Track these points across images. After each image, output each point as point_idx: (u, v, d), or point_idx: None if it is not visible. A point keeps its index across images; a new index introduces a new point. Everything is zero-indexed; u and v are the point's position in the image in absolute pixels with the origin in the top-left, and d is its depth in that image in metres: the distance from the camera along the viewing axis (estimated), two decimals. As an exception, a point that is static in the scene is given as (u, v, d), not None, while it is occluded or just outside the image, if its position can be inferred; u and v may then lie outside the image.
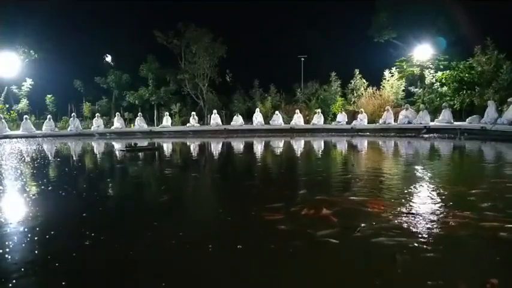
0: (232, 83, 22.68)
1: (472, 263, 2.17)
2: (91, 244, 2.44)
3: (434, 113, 15.80)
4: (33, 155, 8.92)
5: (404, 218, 2.83)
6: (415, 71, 18.43)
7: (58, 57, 20.44)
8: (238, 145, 11.84)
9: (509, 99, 12.07)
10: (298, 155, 8.84)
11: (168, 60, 21.68)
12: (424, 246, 2.26)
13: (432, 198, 3.52)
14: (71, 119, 18.20)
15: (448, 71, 17.06)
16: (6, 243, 2.45)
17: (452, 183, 4.33)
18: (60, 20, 20.65)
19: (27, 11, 19.04)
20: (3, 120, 16.90)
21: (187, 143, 13.15)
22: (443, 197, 3.57)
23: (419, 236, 2.45)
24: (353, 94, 19.14)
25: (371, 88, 18.56)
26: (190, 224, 3.07)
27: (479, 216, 2.86)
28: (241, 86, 21.79)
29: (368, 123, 16.31)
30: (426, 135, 13.03)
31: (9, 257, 2.23)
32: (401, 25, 18.62)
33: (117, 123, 18.23)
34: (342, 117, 17.01)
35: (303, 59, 21.28)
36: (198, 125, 18.68)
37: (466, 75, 16.31)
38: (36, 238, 2.55)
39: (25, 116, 17.86)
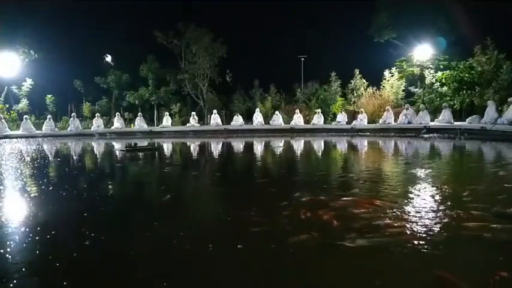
0: (232, 83, 22.68)
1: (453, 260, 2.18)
2: (91, 244, 2.44)
3: (434, 113, 15.80)
4: (33, 155, 8.93)
5: (388, 217, 2.84)
6: (415, 71, 18.43)
7: (58, 57, 20.44)
8: (238, 145, 11.84)
9: (509, 99, 12.06)
10: (298, 155, 8.84)
11: (168, 60, 21.69)
12: (405, 245, 2.29)
13: (424, 199, 3.53)
14: (71, 119, 18.20)
15: (448, 71, 17.05)
16: (8, 243, 2.45)
17: (448, 183, 4.33)
18: (60, 20, 20.66)
19: (27, 11, 19.05)
20: (3, 120, 16.90)
21: (187, 143, 13.16)
22: (437, 197, 3.57)
23: (401, 235, 2.47)
24: (353, 94, 19.14)
25: (371, 88, 18.55)
26: (190, 224, 3.08)
27: (467, 216, 2.87)
28: (241, 86, 21.79)
29: (368, 123, 16.30)
30: (426, 135, 13.03)
31: (10, 257, 2.23)
32: (401, 25, 18.61)
33: (117, 123, 18.23)
34: (342, 117, 17.00)
35: (303, 59, 21.28)
36: (198, 125, 18.68)
37: (466, 75, 16.31)
38: (37, 238, 2.55)
39: (25, 116, 17.86)
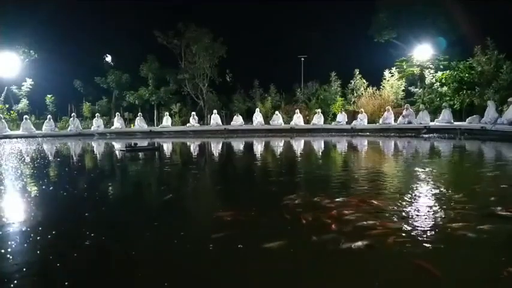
0: (232, 83, 22.69)
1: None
2: (92, 244, 2.44)
3: (434, 113, 15.81)
4: (33, 155, 8.93)
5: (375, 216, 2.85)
6: (415, 71, 18.43)
7: (58, 57, 20.44)
8: (238, 145, 11.85)
9: (509, 99, 12.07)
10: (298, 155, 8.84)
11: (168, 60, 21.70)
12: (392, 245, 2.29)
13: (418, 199, 3.54)
14: (71, 119, 18.20)
15: (448, 71, 17.07)
16: (8, 243, 2.45)
17: (444, 184, 4.33)
18: (60, 20, 20.66)
19: (27, 11, 19.05)
20: (3, 120, 16.90)
21: (188, 143, 13.16)
22: (431, 198, 3.57)
23: (387, 235, 2.47)
24: (353, 94, 19.15)
25: (371, 88, 18.57)
26: (191, 223, 3.08)
27: (456, 216, 2.88)
28: (241, 86, 21.80)
29: (368, 123, 16.31)
30: (426, 135, 13.04)
31: (11, 257, 2.23)
32: (401, 25, 18.62)
33: (117, 123, 18.23)
34: (342, 117, 17.01)
35: (303, 59, 21.28)
36: (198, 125, 18.69)
37: (466, 75, 16.33)
38: (38, 238, 2.56)
39: (25, 116, 17.86)
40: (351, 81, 19.31)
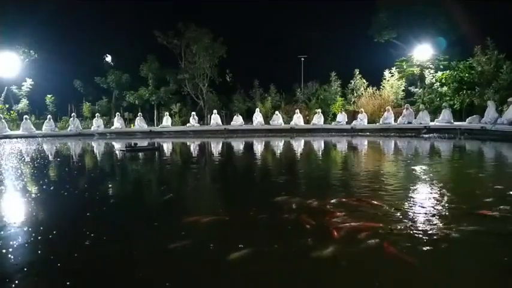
0: (232, 83, 22.69)
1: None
2: (93, 244, 2.45)
3: (434, 113, 15.81)
4: (33, 155, 8.93)
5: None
6: (415, 71, 18.43)
7: (58, 57, 20.44)
8: (238, 145, 11.85)
9: (509, 99, 12.07)
10: (298, 155, 8.84)
11: (168, 60, 21.69)
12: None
13: (411, 199, 3.54)
14: (71, 119, 18.19)
15: (448, 71, 17.07)
16: (9, 243, 2.46)
17: (441, 184, 4.34)
18: (60, 20, 20.65)
19: (27, 11, 19.04)
20: (3, 120, 16.90)
21: (188, 143, 13.16)
22: (425, 198, 3.58)
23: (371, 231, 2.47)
24: (353, 94, 19.15)
25: (371, 88, 18.57)
26: (191, 223, 3.08)
27: (443, 216, 2.89)
28: (241, 86, 21.80)
29: (368, 123, 16.32)
30: (426, 135, 13.05)
31: (13, 257, 2.23)
32: (401, 25, 18.62)
33: (117, 123, 18.23)
34: (342, 117, 17.01)
35: (303, 59, 21.28)
36: (198, 125, 18.68)
37: (466, 75, 16.33)
38: (39, 238, 2.56)
39: (25, 116, 17.86)
40: (351, 81, 19.31)
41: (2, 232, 2.70)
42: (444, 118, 14.28)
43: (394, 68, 18.77)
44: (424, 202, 3.42)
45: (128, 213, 3.45)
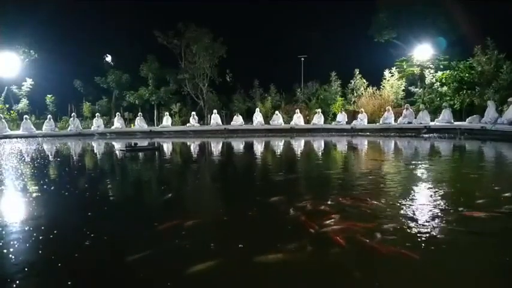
0: (232, 83, 22.70)
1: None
2: (94, 244, 2.45)
3: (435, 113, 15.82)
4: (34, 155, 8.93)
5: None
6: (415, 71, 18.45)
7: (58, 57, 20.46)
8: (238, 145, 11.85)
9: (509, 99, 12.08)
10: (297, 155, 8.84)
11: (168, 60, 21.71)
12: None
13: (404, 199, 3.54)
14: (71, 119, 18.20)
15: (448, 71, 17.08)
16: (10, 243, 2.46)
17: (437, 184, 4.34)
18: (60, 20, 20.68)
19: (27, 11, 19.05)
20: (3, 120, 16.90)
21: (188, 143, 13.16)
22: (417, 198, 3.58)
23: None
24: (353, 94, 19.16)
25: (371, 88, 18.58)
26: (191, 223, 3.08)
27: (434, 217, 2.89)
28: (241, 86, 21.82)
29: (368, 123, 16.32)
30: (426, 135, 13.05)
31: (13, 257, 2.23)
32: (402, 25, 18.63)
33: (117, 123, 18.23)
34: (342, 117, 17.02)
35: (303, 59, 21.29)
36: (198, 124, 18.69)
37: (466, 75, 16.34)
38: (40, 238, 2.56)
39: (25, 116, 17.86)
40: (351, 81, 19.33)
41: (3, 232, 2.70)
42: (444, 118, 14.28)
43: (394, 68, 18.78)
44: (421, 202, 3.42)
45: (128, 213, 3.45)
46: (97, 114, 19.04)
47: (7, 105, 19.74)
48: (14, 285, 1.87)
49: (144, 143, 11.71)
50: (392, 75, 18.54)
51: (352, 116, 17.46)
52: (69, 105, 21.09)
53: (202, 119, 20.75)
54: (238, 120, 18.32)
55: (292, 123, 17.18)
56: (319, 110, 17.52)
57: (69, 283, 1.91)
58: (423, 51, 17.94)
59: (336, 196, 3.64)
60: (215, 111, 18.82)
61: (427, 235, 2.47)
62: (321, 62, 20.54)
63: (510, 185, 4.28)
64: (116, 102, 22.72)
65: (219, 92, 22.13)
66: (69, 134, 17.28)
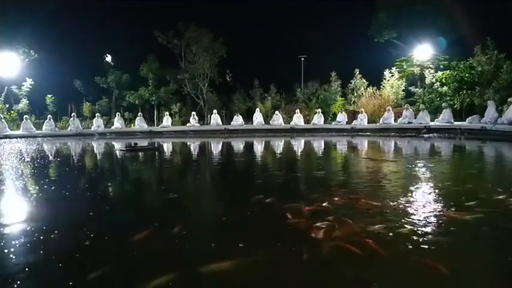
0: (232, 83, 22.72)
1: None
2: (95, 244, 2.45)
3: (435, 113, 15.82)
4: (34, 155, 8.93)
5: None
6: (415, 71, 18.46)
7: (58, 57, 20.48)
8: (239, 145, 11.85)
9: (509, 99, 12.08)
10: (298, 155, 8.85)
11: (168, 60, 21.73)
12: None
13: (399, 200, 3.54)
14: (71, 119, 18.20)
15: (448, 71, 17.08)
16: (11, 243, 2.46)
17: (434, 184, 4.34)
18: (60, 20, 20.69)
19: (27, 11, 19.06)
20: (3, 120, 16.90)
21: (188, 143, 13.16)
22: (414, 199, 3.58)
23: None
24: (353, 94, 19.17)
25: (371, 88, 18.59)
26: (191, 223, 3.08)
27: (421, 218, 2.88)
28: (241, 86, 21.85)
29: (368, 123, 16.33)
30: (426, 135, 13.06)
31: (14, 257, 2.23)
32: (402, 25, 18.65)
33: (117, 123, 18.24)
34: (342, 117, 17.02)
35: (303, 59, 21.31)
36: (198, 124, 18.69)
37: (466, 75, 16.34)
38: (41, 238, 2.56)
39: (25, 116, 17.86)
40: (351, 81, 19.34)
41: (3, 232, 2.70)
42: (444, 118, 14.28)
43: (394, 68, 18.79)
44: (418, 202, 3.42)
45: (129, 214, 3.45)
46: (97, 114, 19.04)
47: (7, 105, 19.75)
48: (15, 286, 1.87)
49: (144, 143, 11.71)
50: (392, 75, 18.55)
51: (352, 116, 17.46)
52: (69, 105, 21.11)
53: (202, 119, 20.75)
54: (238, 120, 18.33)
55: (292, 123, 17.18)
56: (319, 110, 17.53)
57: (70, 283, 1.91)
58: (423, 51, 17.95)
59: (332, 196, 3.62)
60: (215, 111, 18.82)
61: (412, 236, 2.47)
62: (321, 62, 20.55)
63: (505, 185, 4.27)
64: (116, 102, 22.73)
65: (219, 92, 22.15)
66: (69, 134, 17.27)
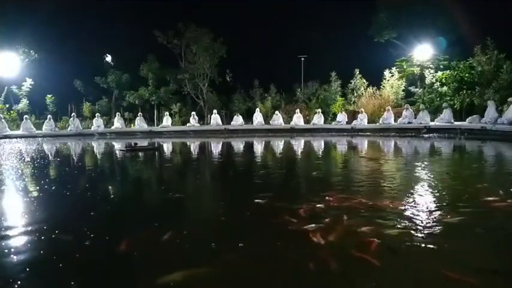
0: (232, 83, 22.71)
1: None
2: (95, 244, 2.45)
3: (435, 113, 15.82)
4: (34, 155, 8.93)
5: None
6: (415, 71, 18.45)
7: (58, 57, 20.47)
8: (238, 145, 11.85)
9: (509, 99, 12.07)
10: (298, 155, 8.85)
11: (168, 60, 21.72)
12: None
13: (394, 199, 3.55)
14: (71, 119, 18.20)
15: (448, 71, 17.08)
16: (12, 243, 2.46)
17: (434, 184, 4.34)
18: (60, 20, 20.67)
19: (27, 11, 19.05)
20: (3, 120, 16.90)
21: (188, 143, 13.16)
22: (411, 199, 3.58)
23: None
24: (353, 94, 19.17)
25: (371, 88, 18.59)
26: (191, 223, 3.08)
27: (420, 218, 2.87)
28: (241, 86, 21.84)
29: (368, 123, 16.32)
30: (426, 135, 13.06)
31: (15, 257, 2.24)
32: (402, 25, 18.64)
33: (117, 123, 18.24)
34: (342, 117, 17.02)
35: (303, 59, 21.30)
36: (198, 124, 18.69)
37: (466, 75, 16.34)
38: (42, 238, 2.56)
39: (25, 116, 17.86)
40: (351, 81, 19.33)
41: (4, 233, 2.70)
42: (444, 118, 14.28)
43: (394, 68, 18.79)
44: (418, 202, 3.42)
45: (129, 214, 3.45)
46: (97, 114, 19.04)
47: (7, 105, 19.75)
48: (16, 286, 1.87)
49: (144, 143, 11.71)
50: (392, 75, 18.55)
51: (352, 116, 17.46)
52: (69, 105, 21.10)
53: (202, 119, 20.75)
54: (238, 120, 18.33)
55: (292, 123, 17.18)
56: (319, 110, 17.52)
57: (72, 283, 1.91)
58: (423, 51, 17.95)
59: (331, 196, 3.61)
60: (215, 111, 18.82)
61: (407, 238, 2.47)
62: (321, 62, 20.55)
63: (501, 186, 4.26)
64: (116, 102, 22.72)
65: (219, 92, 22.14)
66: (69, 134, 17.27)
